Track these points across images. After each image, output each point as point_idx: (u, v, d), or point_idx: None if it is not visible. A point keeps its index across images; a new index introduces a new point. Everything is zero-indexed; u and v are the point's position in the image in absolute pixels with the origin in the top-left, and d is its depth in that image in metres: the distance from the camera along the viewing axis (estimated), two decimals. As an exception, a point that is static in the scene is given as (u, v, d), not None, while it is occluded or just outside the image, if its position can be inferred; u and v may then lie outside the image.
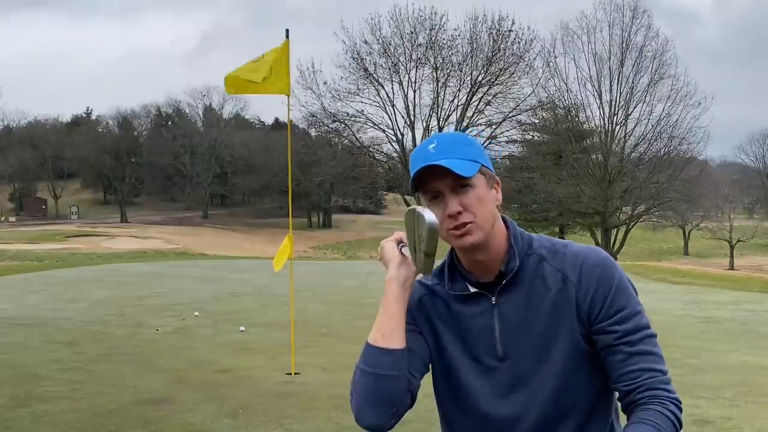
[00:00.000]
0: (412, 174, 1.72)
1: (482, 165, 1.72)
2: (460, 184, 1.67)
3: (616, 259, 44.43)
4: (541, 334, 1.69)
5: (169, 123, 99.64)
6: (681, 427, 1.62)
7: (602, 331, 1.67)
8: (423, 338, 1.81)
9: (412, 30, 47.05)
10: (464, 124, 48.05)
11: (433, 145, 1.71)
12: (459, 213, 1.67)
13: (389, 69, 47.62)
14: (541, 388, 1.70)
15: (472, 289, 1.77)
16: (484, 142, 47.84)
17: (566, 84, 46.31)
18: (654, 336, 1.69)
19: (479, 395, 1.75)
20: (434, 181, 1.69)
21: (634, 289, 1.73)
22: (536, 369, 1.70)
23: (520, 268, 1.73)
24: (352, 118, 48.62)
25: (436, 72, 47.71)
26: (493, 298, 1.73)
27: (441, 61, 47.56)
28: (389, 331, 1.69)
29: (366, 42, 46.91)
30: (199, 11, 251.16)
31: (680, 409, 1.63)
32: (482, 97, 48.52)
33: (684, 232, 68.24)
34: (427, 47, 47.42)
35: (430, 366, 1.82)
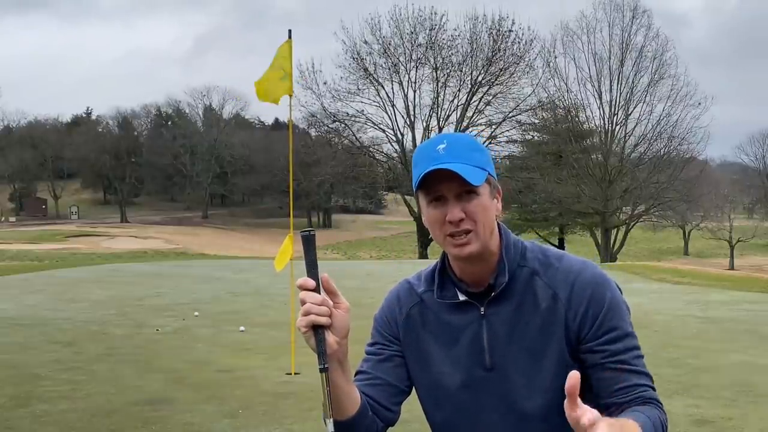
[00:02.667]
0: (416, 173, 1.66)
1: (489, 173, 1.68)
2: (466, 190, 1.64)
3: (615, 259, 44.44)
4: (529, 349, 1.68)
5: (169, 123, 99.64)
6: None
7: (591, 351, 1.65)
8: (402, 361, 1.81)
9: (412, 30, 47.13)
10: (464, 124, 48.07)
11: (442, 145, 1.66)
12: (461, 220, 1.64)
13: (389, 69, 47.70)
14: (530, 405, 1.69)
15: (462, 298, 1.74)
16: (484, 142, 47.87)
17: (566, 84, 46.43)
18: (643, 357, 1.67)
19: (466, 406, 1.74)
20: (439, 185, 1.64)
21: (627, 308, 1.71)
22: (524, 385, 1.68)
23: (511, 281, 1.70)
24: (352, 118, 48.71)
25: (436, 72, 47.76)
26: (482, 309, 1.71)
27: (441, 61, 47.62)
28: (338, 406, 1.65)
29: (366, 42, 47.01)
30: (199, 12, 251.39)
31: (666, 427, 1.62)
32: (482, 97, 48.59)
33: (684, 232, 68.26)
34: (427, 47, 47.47)
35: (415, 379, 1.81)
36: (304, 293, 1.54)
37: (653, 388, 1.64)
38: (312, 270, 1.56)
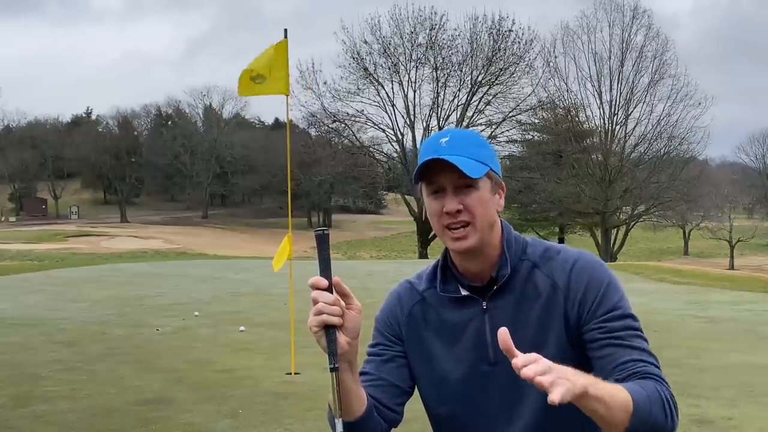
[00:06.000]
0: (419, 164, 1.69)
1: (491, 169, 1.70)
2: (465, 183, 1.66)
3: (615, 259, 44.41)
4: (531, 340, 1.68)
5: (169, 123, 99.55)
6: (671, 414, 1.53)
7: (590, 330, 1.65)
8: (404, 361, 1.81)
9: (412, 30, 47.15)
10: (464, 124, 48.05)
11: (445, 139, 1.69)
12: (458, 212, 1.66)
13: (389, 69, 47.71)
14: (532, 394, 1.68)
15: (464, 292, 1.76)
16: (483, 142, 47.89)
17: (566, 84, 46.42)
18: (646, 340, 1.65)
19: (472, 401, 1.75)
20: (439, 175, 1.67)
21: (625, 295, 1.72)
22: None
23: (513, 274, 1.72)
24: (352, 118, 48.72)
25: (436, 72, 47.77)
26: (484, 303, 1.72)
27: (441, 61, 47.64)
28: (346, 407, 1.64)
29: (366, 42, 46.99)
30: (199, 13, 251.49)
31: (672, 403, 1.54)
32: (482, 97, 48.61)
33: (684, 232, 68.22)
34: (427, 47, 47.48)
35: (418, 377, 1.82)
36: (316, 293, 1.53)
37: (657, 366, 1.60)
38: (325, 269, 1.54)
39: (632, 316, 1.67)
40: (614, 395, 1.45)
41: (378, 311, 1.90)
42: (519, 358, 1.35)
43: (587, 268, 1.71)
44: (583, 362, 1.67)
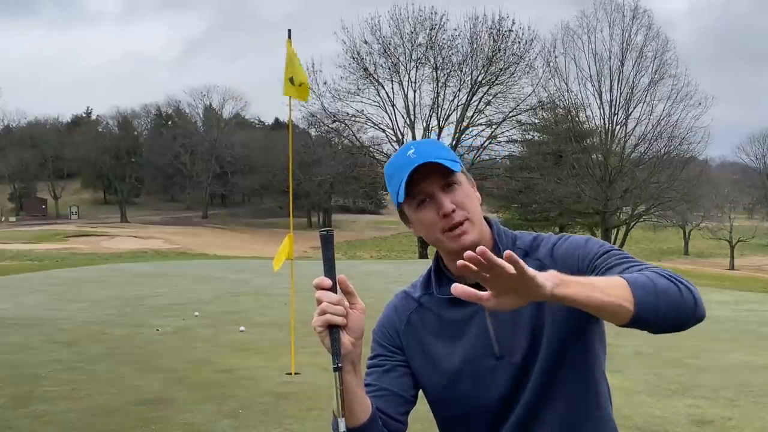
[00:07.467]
0: (396, 183, 1.69)
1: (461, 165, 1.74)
2: (448, 183, 1.69)
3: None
4: (530, 324, 1.70)
5: (169, 123, 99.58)
6: (682, 283, 1.52)
7: (588, 273, 1.65)
8: (406, 370, 1.81)
9: (412, 30, 47.05)
10: (464, 124, 48.08)
11: (411, 151, 1.71)
12: (453, 211, 1.68)
13: (389, 69, 47.63)
14: (531, 383, 1.71)
15: None
16: (484, 142, 48.01)
17: (566, 84, 46.27)
18: (640, 262, 1.65)
19: (480, 397, 1.75)
20: (422, 183, 1.68)
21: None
22: (531, 360, 1.71)
23: None
24: (352, 118, 48.63)
25: (436, 72, 47.72)
26: None
27: (441, 61, 47.57)
28: (349, 412, 1.62)
29: (366, 42, 46.93)
30: (195, 15, 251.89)
31: (676, 276, 1.52)
32: (482, 96, 48.53)
33: (684, 232, 68.21)
34: (427, 47, 47.43)
35: (424, 382, 1.82)
36: (320, 292, 1.54)
37: (655, 269, 1.58)
38: (329, 269, 1.55)
39: (619, 249, 1.70)
40: (601, 278, 1.45)
41: (375, 325, 1.90)
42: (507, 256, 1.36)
43: (566, 241, 1.76)
44: (588, 328, 1.71)
